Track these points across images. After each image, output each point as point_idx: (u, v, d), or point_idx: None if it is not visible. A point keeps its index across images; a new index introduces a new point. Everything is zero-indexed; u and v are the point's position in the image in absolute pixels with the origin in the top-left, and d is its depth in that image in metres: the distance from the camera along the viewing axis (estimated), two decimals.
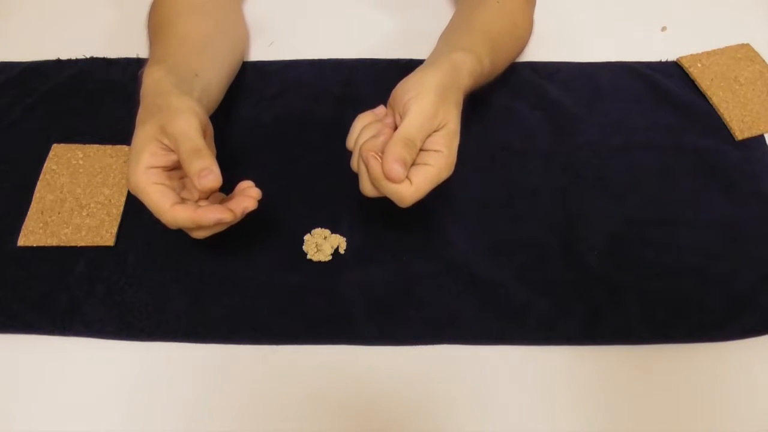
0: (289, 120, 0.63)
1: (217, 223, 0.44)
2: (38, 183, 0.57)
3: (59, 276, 0.53)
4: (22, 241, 0.54)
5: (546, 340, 0.50)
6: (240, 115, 0.63)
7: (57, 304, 0.52)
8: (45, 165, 0.59)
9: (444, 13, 0.71)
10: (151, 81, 0.48)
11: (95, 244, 0.54)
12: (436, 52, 0.52)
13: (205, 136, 0.46)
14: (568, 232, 0.55)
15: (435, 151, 0.44)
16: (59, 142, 0.60)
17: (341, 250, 0.54)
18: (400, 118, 0.45)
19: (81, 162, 0.59)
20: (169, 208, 0.43)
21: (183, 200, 0.45)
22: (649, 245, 0.54)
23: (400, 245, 0.54)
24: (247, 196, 0.46)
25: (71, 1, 0.74)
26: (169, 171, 0.45)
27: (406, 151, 0.43)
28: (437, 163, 0.44)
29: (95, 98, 0.65)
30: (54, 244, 0.54)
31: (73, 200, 0.56)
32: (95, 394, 0.48)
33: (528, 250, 0.54)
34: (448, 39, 0.55)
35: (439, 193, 0.57)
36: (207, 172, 0.42)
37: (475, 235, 0.55)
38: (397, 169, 0.42)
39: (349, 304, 0.52)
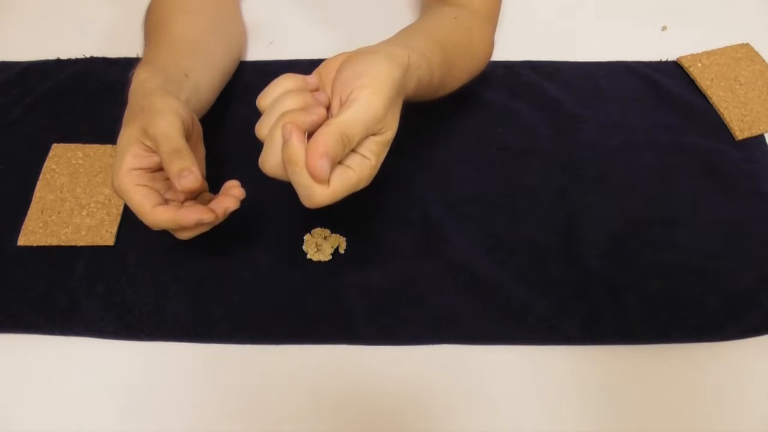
0: None
1: (198, 224, 0.44)
2: (38, 183, 0.57)
3: (59, 276, 0.53)
4: (22, 241, 0.54)
5: (546, 340, 0.50)
6: (239, 115, 0.63)
7: (57, 304, 0.52)
8: (45, 165, 0.59)
9: None
10: (137, 82, 0.48)
11: (95, 244, 0.54)
12: (391, 44, 0.44)
13: (190, 136, 0.46)
14: (568, 232, 0.55)
15: (362, 156, 0.38)
16: (59, 142, 0.60)
17: (341, 250, 0.54)
18: (340, 103, 0.38)
19: (81, 162, 0.59)
20: (151, 210, 0.43)
21: (167, 201, 0.45)
22: (649, 245, 0.54)
23: (400, 245, 0.54)
24: (230, 195, 0.45)
25: (71, 1, 0.74)
26: (153, 172, 0.45)
27: (340, 148, 0.36)
28: (361, 171, 0.38)
29: (95, 98, 0.65)
30: (54, 243, 0.54)
31: (73, 200, 0.56)
32: (95, 394, 0.48)
33: (528, 250, 0.54)
34: (404, 38, 0.49)
35: (439, 193, 0.58)
36: (187, 173, 0.42)
37: (475, 235, 0.55)
38: (323, 166, 0.35)
39: (349, 304, 0.52)
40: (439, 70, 0.47)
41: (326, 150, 0.35)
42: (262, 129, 0.39)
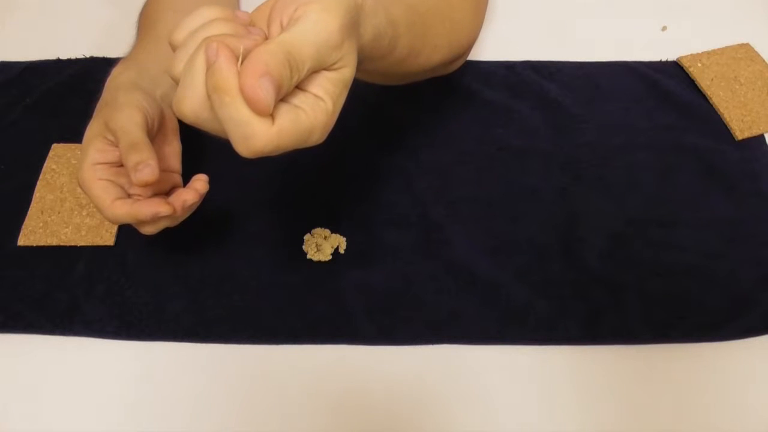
0: None
1: (156, 217, 0.42)
2: (38, 183, 0.57)
3: (59, 276, 0.53)
4: (22, 241, 0.54)
5: (546, 340, 0.50)
6: None
7: (57, 304, 0.52)
8: (45, 165, 0.59)
9: None
10: (111, 77, 0.48)
11: (95, 244, 0.54)
12: None
13: (155, 131, 0.45)
14: (568, 232, 0.55)
15: (315, 95, 0.30)
16: (59, 142, 0.60)
17: (341, 250, 0.54)
18: (281, 27, 0.30)
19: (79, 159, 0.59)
20: (110, 204, 0.42)
21: (129, 196, 0.44)
22: (649, 245, 0.54)
23: (400, 245, 0.54)
24: (190, 188, 0.44)
25: (71, 1, 0.74)
26: (118, 167, 0.45)
27: (285, 71, 0.27)
28: (314, 115, 0.29)
29: (95, 98, 0.64)
30: (54, 243, 0.54)
31: (73, 200, 0.56)
32: (95, 394, 0.48)
33: (528, 250, 0.54)
34: None
35: (439, 193, 0.58)
36: (143, 166, 0.41)
37: (475, 235, 0.55)
38: (265, 88, 0.26)
39: (349, 304, 0.52)
40: (407, 29, 0.41)
41: (267, 69, 0.26)
42: (176, 65, 0.30)
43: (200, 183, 0.45)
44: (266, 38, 0.31)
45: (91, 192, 0.43)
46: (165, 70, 0.44)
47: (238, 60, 0.27)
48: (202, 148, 0.60)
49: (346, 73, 0.31)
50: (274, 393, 0.48)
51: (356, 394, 0.48)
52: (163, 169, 0.46)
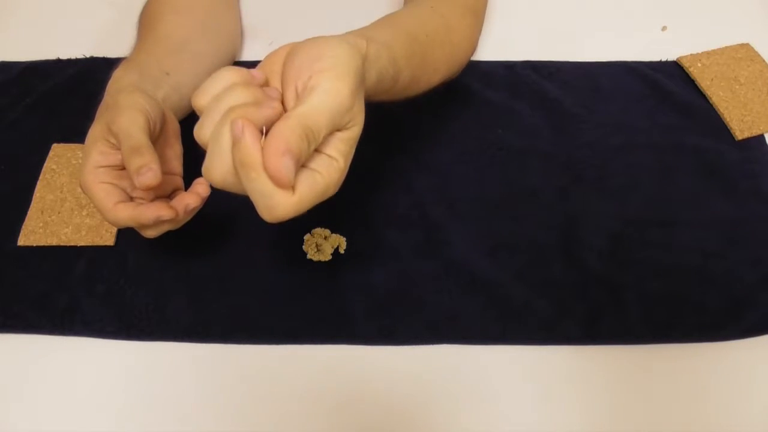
0: None
1: (159, 221, 0.43)
2: (38, 183, 0.57)
3: (59, 276, 0.53)
4: (22, 241, 0.54)
5: (546, 340, 0.50)
6: None
7: (57, 304, 0.52)
8: (45, 165, 0.59)
9: None
10: (113, 79, 0.48)
11: (95, 244, 0.54)
12: (346, 34, 0.38)
13: (157, 134, 0.45)
14: (568, 232, 0.55)
15: (329, 156, 0.32)
16: (59, 142, 0.60)
17: (341, 250, 0.54)
18: (297, 94, 0.33)
19: (81, 162, 0.59)
20: (112, 207, 0.42)
21: (132, 199, 0.44)
22: (649, 245, 0.54)
23: (400, 245, 0.54)
24: (192, 193, 0.44)
25: (71, 1, 0.74)
26: (120, 170, 0.44)
27: (304, 145, 0.30)
28: (329, 175, 0.32)
29: (95, 98, 0.64)
30: (54, 243, 0.54)
31: (73, 200, 0.56)
32: (95, 394, 0.48)
33: (528, 250, 0.54)
34: (364, 29, 0.43)
35: (439, 193, 0.58)
36: (146, 170, 0.41)
37: (475, 235, 0.55)
38: (286, 167, 0.29)
39: (349, 304, 0.52)
40: (407, 62, 0.43)
41: (288, 147, 0.29)
42: (203, 131, 0.32)
43: (202, 187, 0.45)
44: (282, 99, 0.33)
45: (94, 195, 0.43)
46: (164, 71, 0.48)
47: (261, 135, 0.30)
48: (201, 148, 0.60)
49: (356, 130, 0.33)
50: (274, 393, 0.48)
51: (356, 394, 0.48)
52: (165, 172, 0.46)
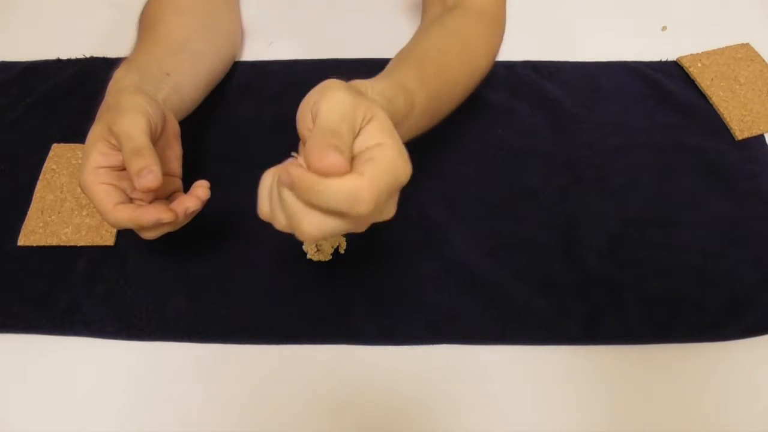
0: (290, 120, 0.62)
1: (158, 223, 0.43)
2: (38, 183, 0.57)
3: (59, 276, 0.53)
4: (22, 241, 0.54)
5: (546, 340, 0.50)
6: (240, 115, 0.63)
7: (57, 304, 0.52)
8: (45, 165, 0.59)
9: None
10: (113, 80, 0.48)
11: (95, 244, 0.54)
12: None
13: (158, 135, 0.46)
14: (568, 232, 0.55)
15: (377, 144, 0.34)
16: (59, 142, 0.60)
17: (341, 250, 0.54)
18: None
19: (81, 162, 0.59)
20: (112, 208, 0.42)
21: (132, 201, 0.44)
22: (649, 245, 0.54)
23: (400, 245, 0.54)
24: (192, 196, 0.44)
25: (71, 1, 0.74)
26: (120, 171, 0.44)
27: (333, 138, 0.32)
28: (384, 155, 0.33)
29: (95, 98, 0.64)
30: (54, 243, 0.54)
31: (73, 200, 0.56)
32: (95, 394, 0.48)
33: (528, 250, 0.54)
34: (373, 80, 0.44)
35: (439, 193, 0.58)
36: (146, 172, 0.41)
37: (475, 235, 0.55)
38: (332, 155, 0.30)
39: (349, 304, 0.52)
40: (421, 84, 0.45)
41: (322, 143, 0.31)
42: (263, 206, 0.37)
43: (201, 189, 0.45)
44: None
45: (93, 196, 0.43)
46: (164, 71, 0.49)
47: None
48: (201, 149, 0.61)
49: (381, 117, 0.34)
50: (274, 393, 0.48)
51: (356, 394, 0.48)
52: (165, 173, 0.46)
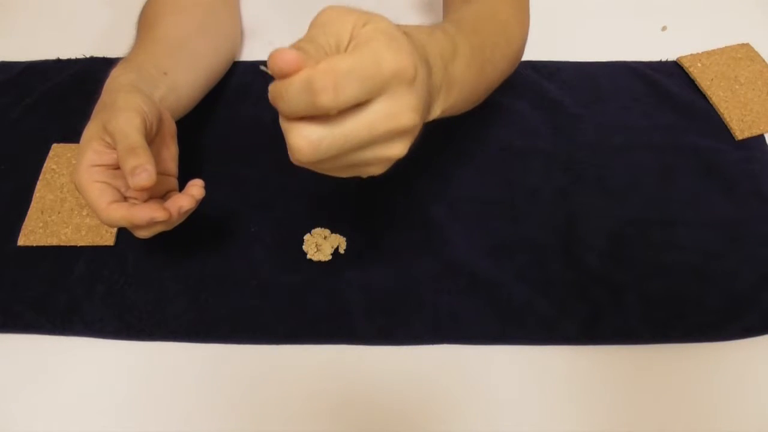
0: None
1: (152, 222, 0.42)
2: (38, 183, 0.57)
3: (59, 276, 0.53)
4: (22, 241, 0.54)
5: (546, 340, 0.50)
6: (240, 115, 0.63)
7: (57, 304, 0.52)
8: (45, 165, 0.59)
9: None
10: (110, 78, 0.48)
11: (95, 244, 0.54)
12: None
13: (153, 134, 0.45)
14: (568, 232, 0.55)
15: (370, 40, 0.30)
16: (59, 142, 0.60)
17: (341, 250, 0.54)
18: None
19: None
20: (106, 206, 0.42)
21: (126, 199, 0.44)
22: (649, 245, 0.54)
23: (400, 245, 0.54)
24: (187, 195, 0.44)
25: (71, 1, 0.74)
26: (115, 169, 0.44)
27: (302, 42, 0.30)
28: (372, 47, 0.29)
29: (95, 98, 0.64)
30: (54, 243, 0.54)
31: (73, 200, 0.56)
32: (95, 394, 0.48)
33: (528, 250, 0.54)
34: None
35: (439, 193, 0.58)
36: (140, 170, 0.41)
37: (475, 235, 0.55)
38: (285, 52, 0.28)
39: (349, 304, 0.52)
40: (465, 38, 0.42)
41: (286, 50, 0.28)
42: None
43: (196, 189, 0.45)
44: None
45: (87, 194, 0.43)
46: (162, 70, 0.49)
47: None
48: (201, 149, 0.61)
49: (375, 21, 0.31)
50: (274, 393, 0.48)
51: (356, 394, 0.48)
52: (160, 173, 0.46)
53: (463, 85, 0.42)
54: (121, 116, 0.43)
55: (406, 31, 0.34)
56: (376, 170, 0.34)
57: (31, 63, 0.68)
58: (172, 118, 0.49)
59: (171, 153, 0.48)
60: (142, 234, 0.44)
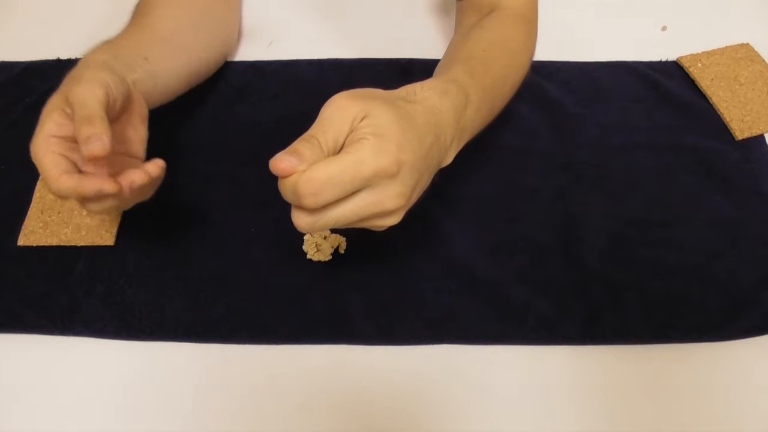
0: (289, 120, 0.62)
1: (100, 194, 0.41)
2: (38, 183, 0.57)
3: (59, 276, 0.53)
4: (22, 241, 0.54)
5: (546, 340, 0.50)
6: (240, 115, 0.63)
7: (57, 304, 0.52)
8: None
9: (444, 14, 0.71)
10: (83, 57, 0.48)
11: (95, 244, 0.54)
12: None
13: (116, 109, 0.45)
14: (568, 232, 0.55)
15: (360, 140, 0.35)
16: None
17: (341, 250, 0.54)
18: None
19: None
20: (57, 177, 0.41)
21: (80, 171, 0.43)
22: (649, 245, 0.54)
23: (400, 245, 0.54)
24: (141, 170, 0.42)
25: (71, 1, 0.74)
26: (74, 142, 0.43)
27: (298, 142, 0.35)
28: (356, 151, 0.35)
29: None
30: (54, 244, 0.54)
31: (73, 200, 0.56)
32: (95, 394, 0.48)
33: (528, 250, 0.54)
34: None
35: (439, 193, 0.58)
36: (95, 139, 0.39)
37: (475, 235, 0.55)
38: (282, 158, 0.34)
39: (348, 304, 0.52)
40: (470, 77, 0.46)
41: (285, 151, 0.35)
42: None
43: (153, 166, 0.43)
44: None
45: (41, 164, 0.42)
46: (142, 56, 0.49)
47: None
48: (201, 148, 0.61)
49: (373, 115, 0.36)
50: (274, 393, 0.48)
51: (356, 394, 0.48)
52: (125, 154, 0.45)
53: (474, 128, 0.47)
54: (82, 87, 0.42)
55: (414, 100, 0.40)
56: (380, 229, 0.40)
57: (31, 63, 0.68)
58: (145, 102, 0.48)
59: (139, 135, 0.47)
60: (93, 208, 0.43)
